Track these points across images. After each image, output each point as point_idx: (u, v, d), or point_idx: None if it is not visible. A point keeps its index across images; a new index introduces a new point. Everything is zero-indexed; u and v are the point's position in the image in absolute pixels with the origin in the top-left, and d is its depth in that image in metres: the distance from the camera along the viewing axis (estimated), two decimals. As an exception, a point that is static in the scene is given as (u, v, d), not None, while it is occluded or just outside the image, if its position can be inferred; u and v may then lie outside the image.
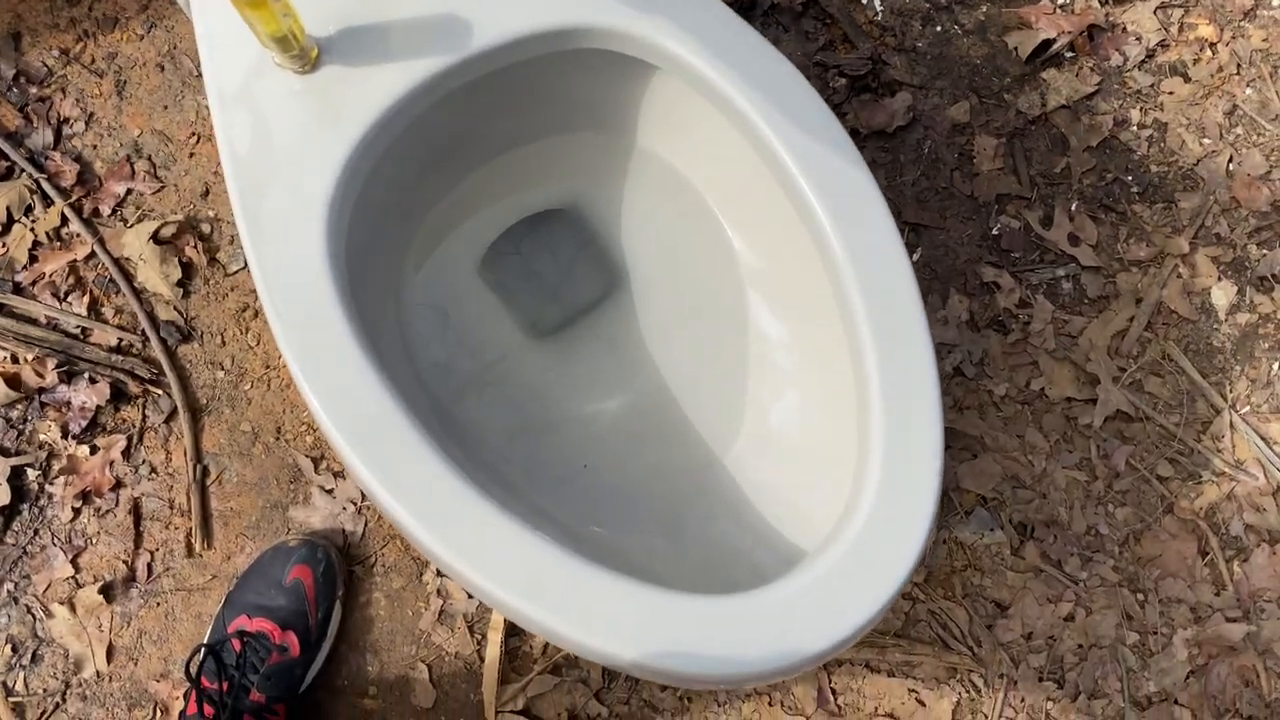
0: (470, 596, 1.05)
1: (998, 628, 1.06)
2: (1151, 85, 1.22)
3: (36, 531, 1.06)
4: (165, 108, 1.16)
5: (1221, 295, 1.15)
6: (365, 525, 1.07)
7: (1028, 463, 1.10)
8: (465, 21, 0.69)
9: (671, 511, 0.79)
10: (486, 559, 0.60)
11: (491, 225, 0.90)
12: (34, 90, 1.16)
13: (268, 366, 1.10)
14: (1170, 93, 1.22)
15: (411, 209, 0.82)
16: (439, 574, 1.05)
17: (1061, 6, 1.24)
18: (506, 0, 0.70)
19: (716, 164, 0.83)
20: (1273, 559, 1.07)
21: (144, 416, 1.09)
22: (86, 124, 1.16)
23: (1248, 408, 1.12)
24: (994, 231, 1.17)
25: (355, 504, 1.07)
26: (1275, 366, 1.13)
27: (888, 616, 1.07)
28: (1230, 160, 1.19)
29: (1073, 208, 1.18)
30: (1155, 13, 1.24)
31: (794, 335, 0.81)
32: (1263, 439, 1.10)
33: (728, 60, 0.70)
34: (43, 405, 1.09)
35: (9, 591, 1.05)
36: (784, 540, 0.74)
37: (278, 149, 0.67)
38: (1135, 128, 1.21)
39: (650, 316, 0.89)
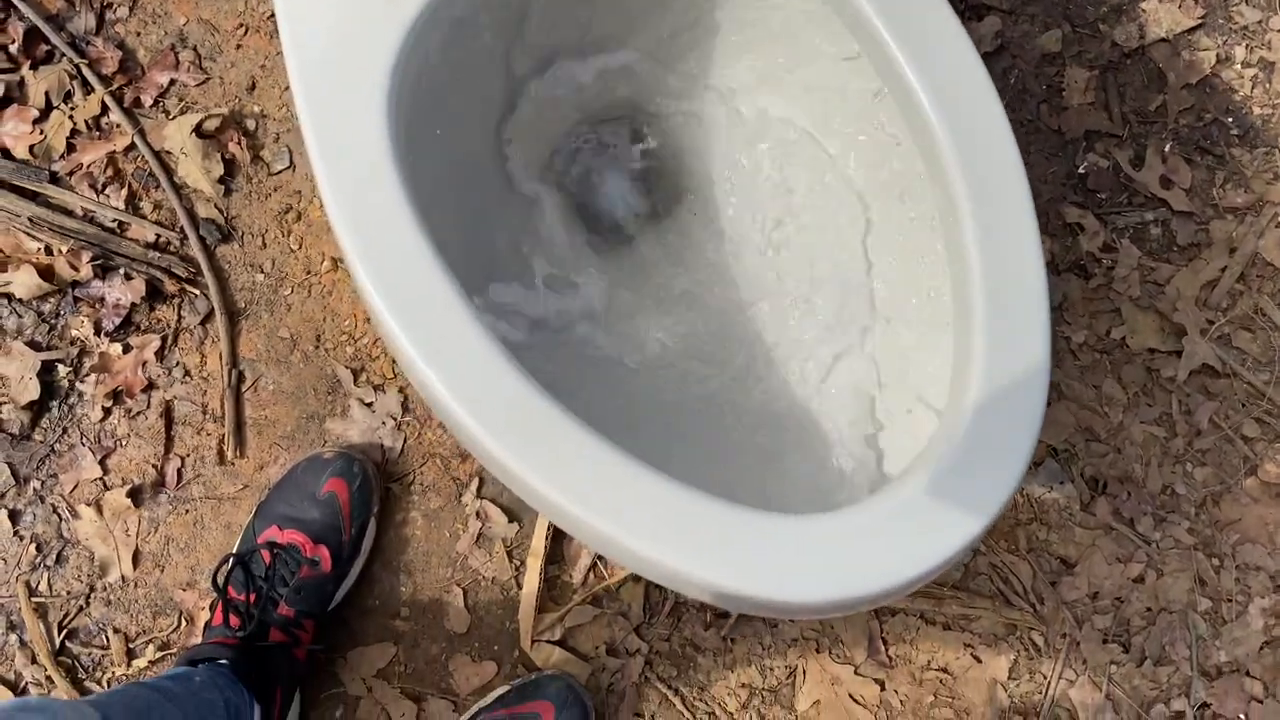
0: (510, 520, 1.00)
1: (1062, 585, 1.00)
2: (1259, 21, 1.14)
3: (65, 430, 1.03)
4: (213, -4, 1.11)
5: (1323, 249, 1.07)
6: (404, 442, 1.02)
7: (1104, 414, 1.04)
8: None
9: (731, 432, 0.74)
10: (558, 469, 0.55)
11: (560, 122, 0.84)
12: (77, -28, 1.11)
13: (309, 272, 1.05)
14: (1279, 30, 1.13)
15: (477, 95, 0.76)
16: (479, 495, 1.01)
17: (1168, -68, 1.16)
18: None
19: (805, 62, 0.77)
20: (1361, 530, 1.01)
21: (179, 317, 1.05)
22: (130, 9, 1.11)
23: (1343, 369, 1.05)
24: (1080, 170, 1.10)
25: (394, 419, 1.03)
26: (1375, 327, 1.06)
27: (946, 567, 1.02)
28: (1341, 105, 1.11)
29: (1166, 149, 1.10)
30: (1268, -56, 1.16)
31: (885, 249, 0.75)
32: (1357, 403, 1.04)
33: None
34: (76, 300, 1.05)
35: (35, 490, 1.01)
36: (867, 466, 0.68)
37: (340, 13, 0.61)
38: (1239, 66, 1.13)
39: (725, 227, 0.83)
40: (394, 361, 1.04)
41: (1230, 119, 1.11)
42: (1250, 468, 1.03)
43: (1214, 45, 1.13)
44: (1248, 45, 1.13)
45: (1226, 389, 1.04)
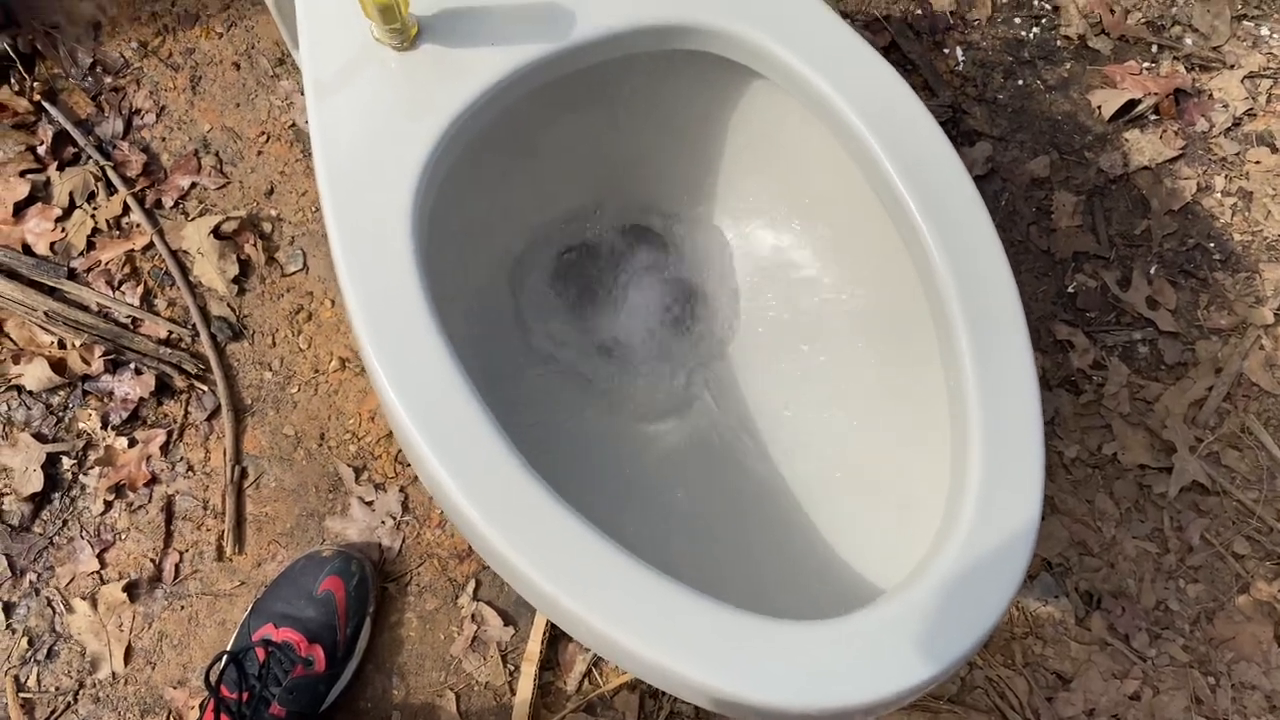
0: (506, 624, 1.00)
1: (1058, 701, 1.00)
2: (1237, 153, 1.19)
3: (65, 522, 1.03)
4: (237, 105, 1.15)
5: (1306, 370, 1.10)
6: (403, 541, 1.03)
7: (1096, 529, 1.05)
8: (567, 12, 0.67)
9: (737, 534, 0.75)
10: (564, 570, 0.56)
11: (569, 234, 0.88)
12: (109, 80, 1.16)
13: (317, 370, 1.07)
14: (1257, 162, 1.19)
15: (495, 206, 0.79)
16: (475, 597, 1.01)
17: (1148, 68, 1.22)
18: (610, -7, 0.68)
19: (811, 188, 0.80)
20: (1354, 651, 1.01)
21: (186, 412, 1.06)
22: (158, 116, 1.15)
23: (1330, 489, 1.07)
24: (1069, 289, 1.14)
25: (394, 518, 1.03)
26: (1360, 449, 1.08)
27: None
28: (1318, 234, 1.16)
29: (1152, 271, 1.14)
30: (1243, 82, 1.22)
31: (883, 361, 0.77)
32: (1346, 523, 1.05)
33: (832, 68, 0.68)
34: (85, 394, 1.06)
35: (31, 582, 1.01)
36: (853, 575, 0.69)
37: (369, 127, 0.64)
38: (1219, 195, 1.18)
39: (728, 341, 0.86)
40: (396, 460, 1.05)
41: (1212, 244, 1.16)
42: (1242, 585, 1.03)
43: (1194, 175, 1.18)
44: (1227, 175, 1.18)
45: (1217, 506, 1.06)
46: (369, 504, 1.04)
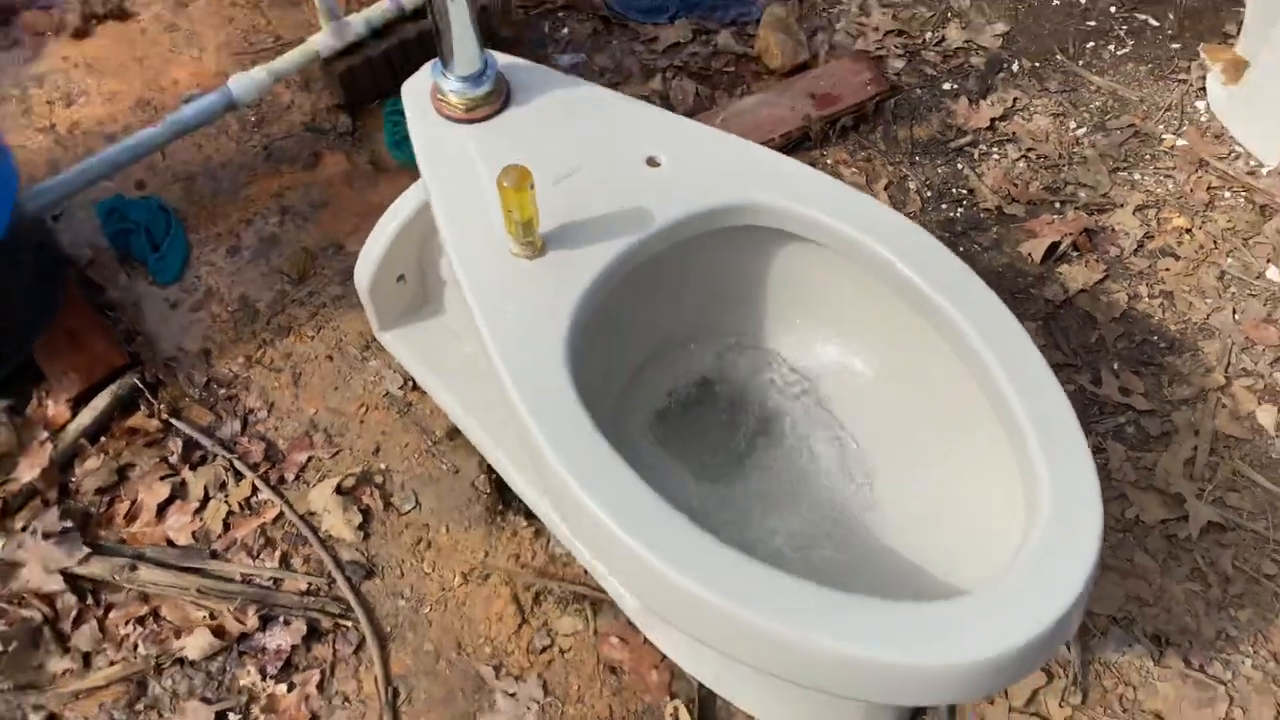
0: (659, 775, 1.09)
1: (1165, 737, 1.10)
2: (1149, 266, 1.46)
3: (238, 774, 1.12)
4: (336, 389, 1.37)
5: (1267, 416, 1.31)
6: (549, 722, 1.13)
7: (1144, 581, 1.20)
8: (647, 210, 0.91)
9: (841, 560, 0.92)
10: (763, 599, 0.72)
11: (663, 388, 1.09)
12: (222, 391, 1.37)
13: (443, 589, 1.22)
14: (1167, 269, 1.45)
15: (612, 356, 1.01)
16: (627, 756, 1.11)
17: (1057, 218, 1.51)
18: (680, 188, 0.93)
19: (846, 311, 1.03)
20: (1397, 635, 1.14)
21: (335, 650, 1.18)
22: (269, 411, 1.36)
23: (1324, 507, 1.24)
24: (1054, 395, 1.35)
25: (538, 702, 1.14)
26: (1335, 469, 1.27)
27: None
28: (1234, 311, 1.40)
29: (1115, 367, 1.37)
30: (1134, 214, 1.51)
31: (948, 445, 0.96)
32: (1347, 531, 1.22)
33: (858, 220, 0.92)
34: (241, 654, 1.18)
35: (213, 839, 1.08)
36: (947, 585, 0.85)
37: (523, 314, 0.86)
38: (1147, 299, 1.43)
39: (807, 452, 1.05)
40: (528, 651, 1.17)
41: (1156, 337, 1.39)
42: (1283, 601, 1.18)
43: (1122, 289, 1.44)
44: (1148, 284, 1.44)
45: (1236, 539, 1.22)
46: (512, 695, 1.15)
